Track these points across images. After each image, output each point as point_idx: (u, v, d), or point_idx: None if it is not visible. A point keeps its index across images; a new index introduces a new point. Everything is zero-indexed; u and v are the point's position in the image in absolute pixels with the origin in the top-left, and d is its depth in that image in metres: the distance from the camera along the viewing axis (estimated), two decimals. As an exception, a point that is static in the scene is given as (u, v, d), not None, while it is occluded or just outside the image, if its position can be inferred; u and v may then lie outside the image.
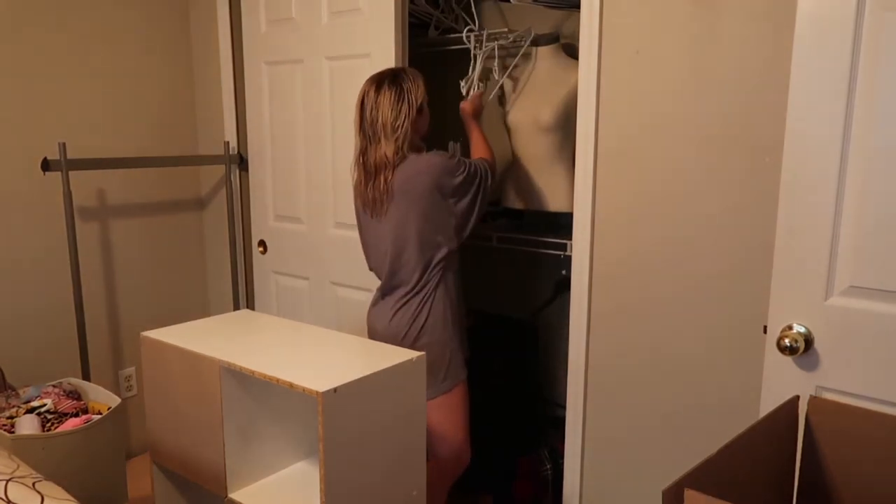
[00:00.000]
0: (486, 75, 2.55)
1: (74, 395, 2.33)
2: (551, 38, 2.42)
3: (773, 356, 1.55)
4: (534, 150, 2.43)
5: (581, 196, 2.02)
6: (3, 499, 1.26)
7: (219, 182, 3.06)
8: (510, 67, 2.55)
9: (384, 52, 2.33)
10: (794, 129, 1.47)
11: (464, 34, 2.46)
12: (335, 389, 1.44)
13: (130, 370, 2.98)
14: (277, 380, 1.50)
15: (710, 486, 1.02)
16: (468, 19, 2.70)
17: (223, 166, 2.96)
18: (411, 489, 1.67)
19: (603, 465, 2.10)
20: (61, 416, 2.21)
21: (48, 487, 1.35)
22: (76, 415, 2.23)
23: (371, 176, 2.07)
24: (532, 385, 2.68)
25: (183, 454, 1.77)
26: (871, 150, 1.38)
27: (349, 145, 2.51)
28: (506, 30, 2.52)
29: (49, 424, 2.16)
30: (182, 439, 1.77)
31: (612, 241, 1.98)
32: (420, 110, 2.08)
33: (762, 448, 1.26)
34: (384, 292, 2.15)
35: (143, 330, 1.86)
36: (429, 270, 2.06)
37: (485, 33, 2.46)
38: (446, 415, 2.11)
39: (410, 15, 2.44)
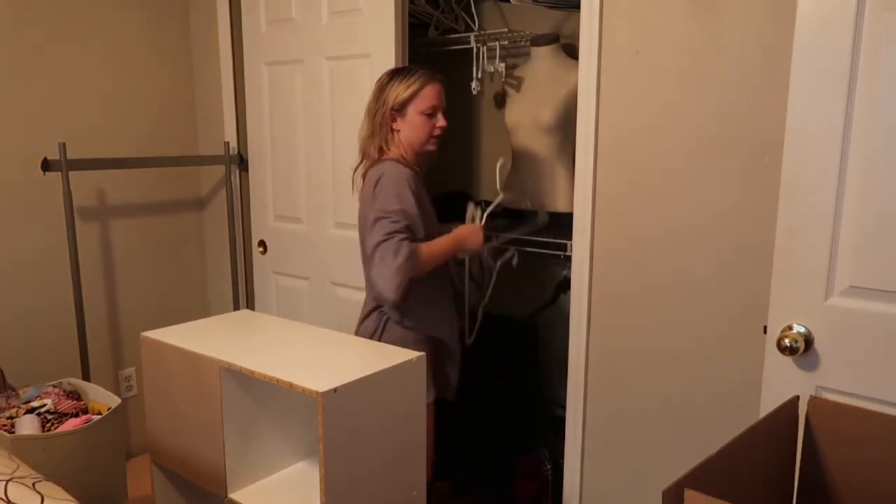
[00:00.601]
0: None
1: (74, 395, 2.33)
2: (551, 39, 2.42)
3: (773, 356, 1.55)
4: (534, 150, 2.43)
5: (581, 196, 2.02)
6: (3, 499, 1.26)
7: (219, 182, 3.06)
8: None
9: (384, 53, 2.33)
10: (794, 129, 1.47)
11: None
12: (335, 389, 1.44)
13: (130, 370, 2.98)
14: (277, 380, 1.50)
15: (710, 486, 1.02)
16: (468, 20, 2.70)
17: (223, 166, 2.96)
18: (411, 489, 1.67)
19: (603, 465, 2.10)
20: (61, 417, 2.21)
21: (48, 488, 1.35)
22: (76, 415, 2.23)
23: None
24: (532, 385, 2.68)
25: (183, 454, 1.77)
26: (871, 150, 1.38)
27: (349, 145, 2.51)
28: (506, 30, 2.53)
29: (49, 425, 2.16)
30: (182, 439, 1.77)
31: (612, 241, 1.98)
32: (399, 111, 1.95)
33: (762, 448, 1.26)
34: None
35: (143, 330, 1.86)
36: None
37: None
38: None
39: (410, 15, 2.44)
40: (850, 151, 1.41)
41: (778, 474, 1.33)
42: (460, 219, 2.19)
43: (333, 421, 1.45)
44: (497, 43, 2.49)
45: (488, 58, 2.53)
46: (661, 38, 1.82)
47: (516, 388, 2.62)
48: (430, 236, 1.96)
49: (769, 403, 1.53)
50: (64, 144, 2.45)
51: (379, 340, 1.96)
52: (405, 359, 1.61)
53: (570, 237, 2.10)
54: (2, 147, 2.52)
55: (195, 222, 3.15)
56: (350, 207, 2.55)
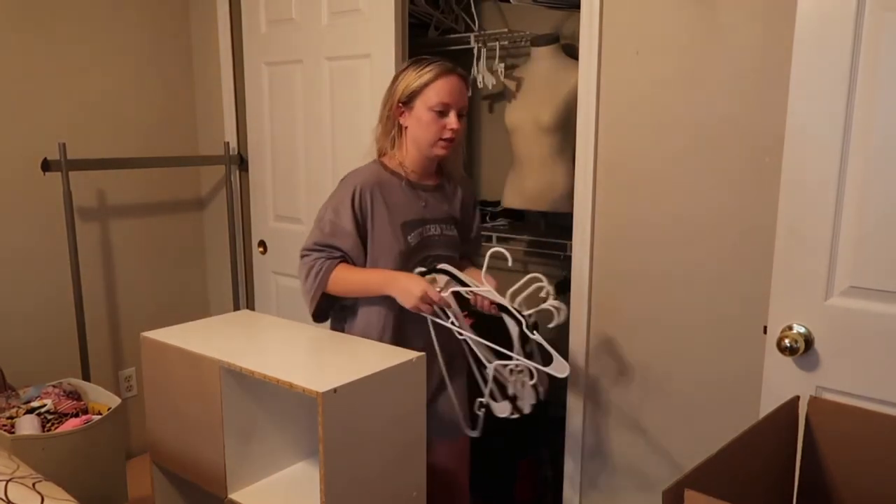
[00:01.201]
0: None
1: (74, 395, 2.33)
2: (551, 39, 2.42)
3: (773, 356, 1.55)
4: (534, 150, 2.43)
5: (581, 196, 2.02)
6: (3, 499, 1.26)
7: (219, 182, 3.06)
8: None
9: (384, 53, 2.33)
10: (794, 128, 1.47)
11: None
12: (335, 389, 1.44)
13: (130, 370, 2.98)
14: (277, 380, 1.50)
15: (710, 486, 1.02)
16: (468, 20, 2.70)
17: (223, 166, 2.96)
18: (411, 490, 1.67)
19: (603, 466, 2.10)
20: (61, 417, 2.21)
21: (48, 488, 1.34)
22: (76, 415, 2.23)
23: None
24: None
25: (183, 454, 1.77)
26: (871, 150, 1.38)
27: (349, 145, 2.51)
28: (506, 30, 2.53)
29: (49, 425, 2.16)
30: (182, 439, 1.77)
31: (612, 241, 1.98)
32: (406, 103, 1.75)
33: (762, 448, 1.26)
34: None
35: (143, 330, 1.86)
36: None
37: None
38: None
39: (410, 15, 2.44)
40: (850, 151, 1.41)
41: (778, 474, 1.33)
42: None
43: (333, 421, 1.45)
44: (497, 43, 2.49)
45: (488, 58, 2.53)
46: (661, 38, 1.82)
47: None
48: (391, 258, 1.76)
49: (769, 403, 1.53)
50: (64, 144, 2.45)
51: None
52: (405, 359, 1.61)
53: (570, 237, 2.10)
54: (2, 147, 2.52)
55: (195, 222, 3.15)
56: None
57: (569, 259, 2.12)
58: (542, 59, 2.44)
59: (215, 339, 1.77)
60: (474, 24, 2.68)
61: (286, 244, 2.83)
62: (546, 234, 2.49)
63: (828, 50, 1.41)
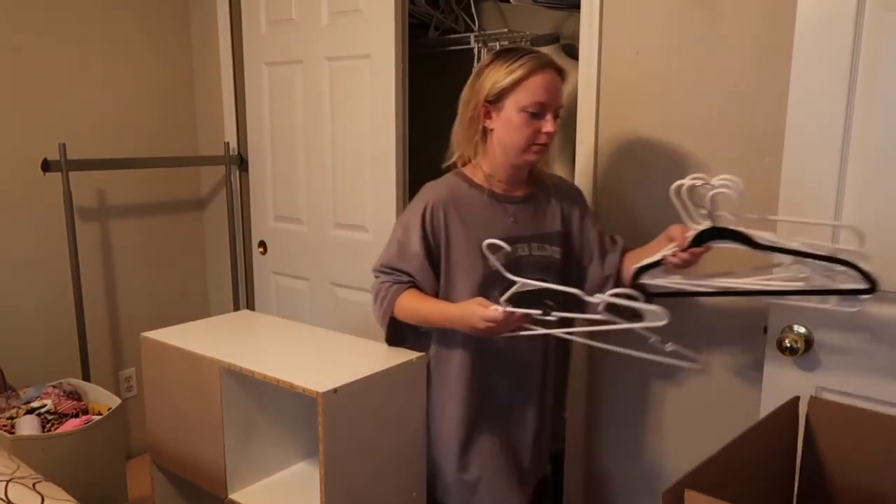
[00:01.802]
0: None
1: (74, 395, 2.33)
2: (551, 39, 2.42)
3: (773, 356, 1.55)
4: (534, 151, 2.42)
5: (581, 196, 2.01)
6: (3, 499, 1.27)
7: (219, 182, 3.06)
8: None
9: (384, 53, 2.33)
10: (794, 128, 1.47)
11: None
12: (335, 389, 1.44)
13: (130, 370, 2.98)
14: (277, 380, 1.50)
15: (711, 486, 1.02)
16: (468, 20, 2.70)
17: (223, 167, 2.95)
18: (411, 490, 1.67)
19: (604, 467, 2.10)
20: (61, 417, 2.21)
21: (48, 488, 1.35)
22: (76, 415, 2.23)
23: None
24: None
25: (183, 454, 1.77)
26: (871, 150, 1.38)
27: (349, 145, 2.51)
28: (506, 30, 2.53)
29: (49, 425, 2.16)
30: (182, 439, 1.77)
31: (612, 241, 1.98)
32: (494, 103, 1.52)
33: (762, 448, 1.26)
34: None
35: (143, 330, 1.86)
36: None
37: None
38: None
39: (410, 15, 2.44)
40: (850, 151, 1.41)
41: (778, 474, 1.33)
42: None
43: (333, 421, 1.45)
44: (497, 43, 2.49)
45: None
46: (661, 38, 1.82)
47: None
48: (470, 284, 1.56)
49: (769, 403, 1.53)
50: (64, 145, 2.45)
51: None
52: (405, 359, 1.61)
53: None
54: (2, 147, 2.52)
55: (195, 222, 3.15)
56: (350, 208, 2.55)
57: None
58: (542, 60, 2.44)
59: (215, 339, 1.77)
60: (474, 25, 2.68)
61: (286, 244, 2.83)
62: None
63: (828, 50, 1.41)
